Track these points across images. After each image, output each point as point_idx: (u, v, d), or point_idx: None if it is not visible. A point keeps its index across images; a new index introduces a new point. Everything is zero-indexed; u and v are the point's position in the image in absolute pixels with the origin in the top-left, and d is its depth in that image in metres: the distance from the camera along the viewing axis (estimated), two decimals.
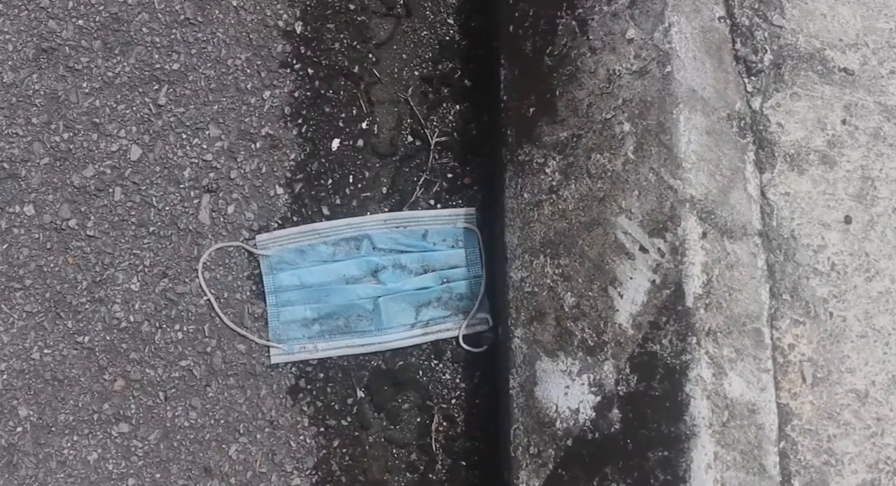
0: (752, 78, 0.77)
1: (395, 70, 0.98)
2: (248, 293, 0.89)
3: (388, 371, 0.90)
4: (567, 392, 0.76)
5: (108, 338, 0.87)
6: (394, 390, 0.90)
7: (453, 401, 0.89)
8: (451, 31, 0.99)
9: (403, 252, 0.92)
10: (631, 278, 0.72)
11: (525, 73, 0.86)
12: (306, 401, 0.88)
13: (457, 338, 0.90)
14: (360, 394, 0.89)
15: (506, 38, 0.89)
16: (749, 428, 0.69)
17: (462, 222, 0.94)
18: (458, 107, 0.97)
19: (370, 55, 0.97)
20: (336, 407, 0.88)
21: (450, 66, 0.98)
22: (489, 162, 0.94)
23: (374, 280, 0.91)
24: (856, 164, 0.76)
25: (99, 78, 0.92)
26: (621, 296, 0.72)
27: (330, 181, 0.94)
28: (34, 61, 0.92)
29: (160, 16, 0.95)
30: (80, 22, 0.94)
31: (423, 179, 0.95)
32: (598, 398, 0.73)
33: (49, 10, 0.94)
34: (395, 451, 0.88)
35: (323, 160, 0.94)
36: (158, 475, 0.85)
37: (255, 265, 0.90)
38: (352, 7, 0.99)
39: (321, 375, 0.89)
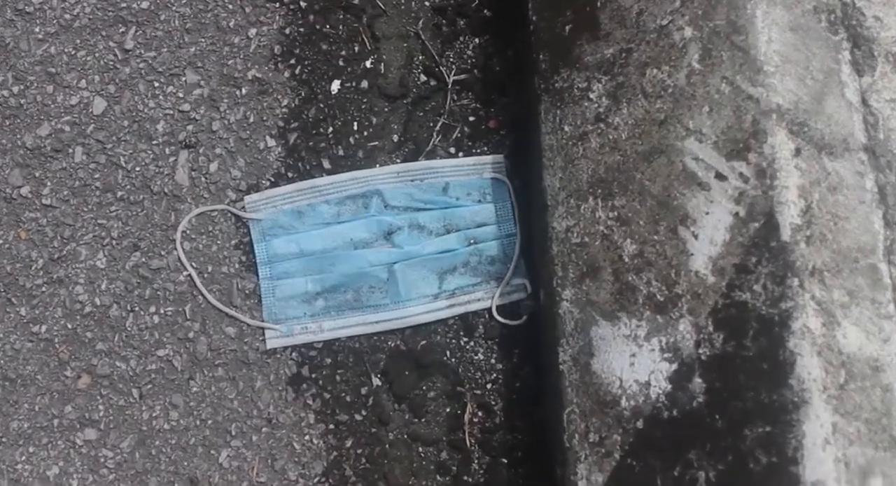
0: None
1: (402, 6, 0.87)
2: (236, 266, 0.78)
3: (408, 353, 0.78)
4: (633, 362, 0.64)
5: (69, 326, 0.76)
6: (417, 376, 0.77)
7: (489, 386, 0.77)
8: None
9: (421, 210, 0.81)
10: (707, 213, 0.60)
11: None
12: (311, 393, 0.76)
13: (489, 310, 0.78)
14: (377, 382, 0.77)
15: None
16: (873, 391, 0.57)
17: (489, 172, 0.83)
18: (477, 40, 0.86)
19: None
20: (348, 399, 0.76)
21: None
22: (519, 99, 0.83)
23: (388, 244, 0.80)
24: None
25: (54, 21, 0.82)
26: (696, 236, 0.60)
27: (331, 129, 0.83)
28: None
29: None
30: None
31: (440, 123, 0.84)
32: (674, 366, 0.61)
33: None
34: (421, 450, 0.75)
35: (321, 105, 0.83)
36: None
37: (245, 232, 0.79)
38: None
39: (328, 361, 0.77)
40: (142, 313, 0.76)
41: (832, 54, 0.65)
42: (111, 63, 0.82)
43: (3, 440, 0.73)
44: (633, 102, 0.67)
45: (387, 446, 0.76)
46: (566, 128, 0.73)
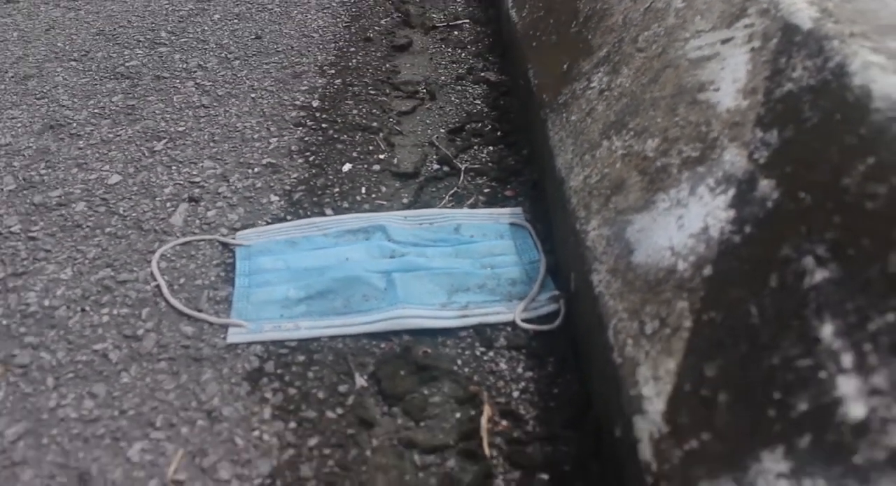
0: None
1: (419, 130, 1.13)
2: (212, 279, 0.83)
3: (405, 354, 0.73)
4: (682, 223, 0.64)
5: (3, 323, 0.77)
6: (415, 380, 0.71)
7: (516, 394, 0.70)
8: (480, 106, 1.18)
9: (429, 246, 0.87)
10: (722, 69, 0.71)
11: (555, 45, 1.02)
12: (272, 388, 0.70)
13: (513, 322, 0.77)
14: (361, 382, 0.70)
15: (531, 47, 1.07)
16: None
17: (507, 219, 0.92)
18: (491, 148, 1.07)
19: (391, 119, 1.15)
20: (319, 395, 0.69)
21: (479, 125, 1.13)
22: (532, 169, 0.99)
23: (390, 259, 0.84)
24: None
25: (97, 137, 1.09)
26: (717, 90, 0.70)
27: (337, 190, 0.97)
28: (39, 133, 1.11)
29: (175, 103, 1.18)
30: (95, 109, 1.16)
31: (452, 191, 0.98)
32: (732, 191, 0.62)
33: (66, 103, 1.18)
34: (417, 458, 0.63)
35: (331, 177, 1.00)
36: None
37: (230, 256, 0.86)
38: (372, 92, 1.21)
39: (301, 358, 0.73)
40: (91, 313, 0.78)
41: None
42: (137, 157, 1.04)
43: None
44: (631, 62, 0.84)
45: (368, 452, 0.64)
46: (573, 118, 0.87)
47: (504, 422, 0.68)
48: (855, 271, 0.46)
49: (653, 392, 0.55)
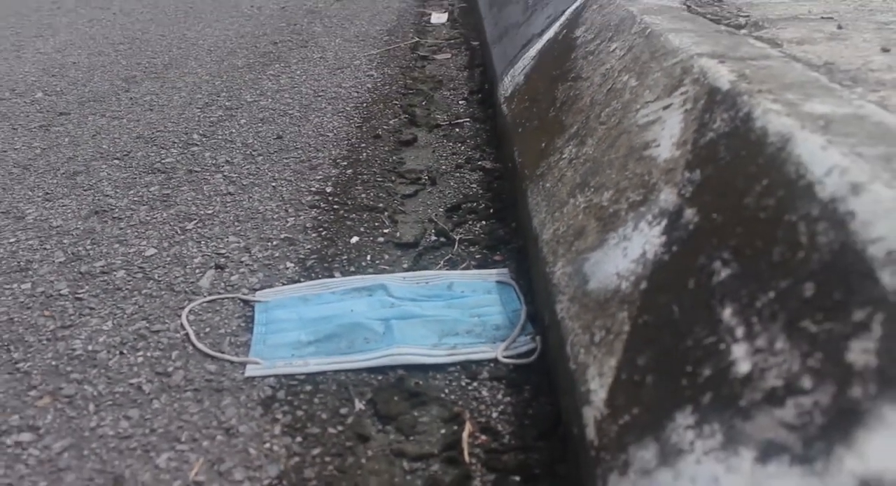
0: None
1: (420, 209, 1.28)
2: (233, 328, 0.95)
3: (400, 383, 0.85)
4: (626, 253, 0.77)
5: (53, 364, 0.90)
6: (407, 405, 0.83)
7: (494, 415, 0.81)
8: (475, 189, 1.34)
9: (424, 301, 1.01)
10: (663, 129, 0.85)
11: (536, 128, 1.18)
12: (282, 410, 0.81)
13: (495, 358, 0.89)
14: (360, 406, 0.82)
15: (517, 133, 1.24)
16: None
17: (494, 278, 1.05)
18: (483, 222, 1.22)
19: (396, 201, 1.30)
20: (323, 416, 0.80)
21: (474, 204, 1.28)
22: (519, 238, 1.13)
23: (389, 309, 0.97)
24: None
25: (136, 219, 1.25)
26: (658, 145, 0.84)
27: (345, 257, 1.12)
28: (85, 218, 1.28)
29: (205, 191, 1.35)
30: (134, 198, 1.34)
31: (448, 257, 1.12)
32: (664, 221, 0.75)
33: (109, 193, 1.36)
34: (406, 465, 0.74)
35: (340, 248, 1.14)
36: (44, 484, 0.72)
37: (250, 310, 0.99)
38: (379, 179, 1.38)
39: (308, 387, 0.85)
40: (128, 355, 0.91)
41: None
42: (170, 235, 1.20)
43: None
44: (595, 133, 1.00)
45: (363, 459, 0.75)
46: (548, 185, 1.02)
47: (483, 436, 0.79)
48: (749, 266, 0.59)
49: (598, 386, 0.66)
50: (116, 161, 1.55)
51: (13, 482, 0.74)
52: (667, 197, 0.76)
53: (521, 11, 1.82)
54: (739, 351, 0.54)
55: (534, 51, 1.48)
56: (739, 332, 0.56)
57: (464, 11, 2.93)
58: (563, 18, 1.44)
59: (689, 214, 0.71)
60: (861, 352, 0.46)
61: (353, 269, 1.10)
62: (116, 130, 1.74)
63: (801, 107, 0.70)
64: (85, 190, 1.41)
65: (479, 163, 1.47)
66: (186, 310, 1.00)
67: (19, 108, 1.96)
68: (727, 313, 0.58)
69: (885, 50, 0.90)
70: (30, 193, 1.42)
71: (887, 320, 0.45)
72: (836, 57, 0.89)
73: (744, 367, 0.53)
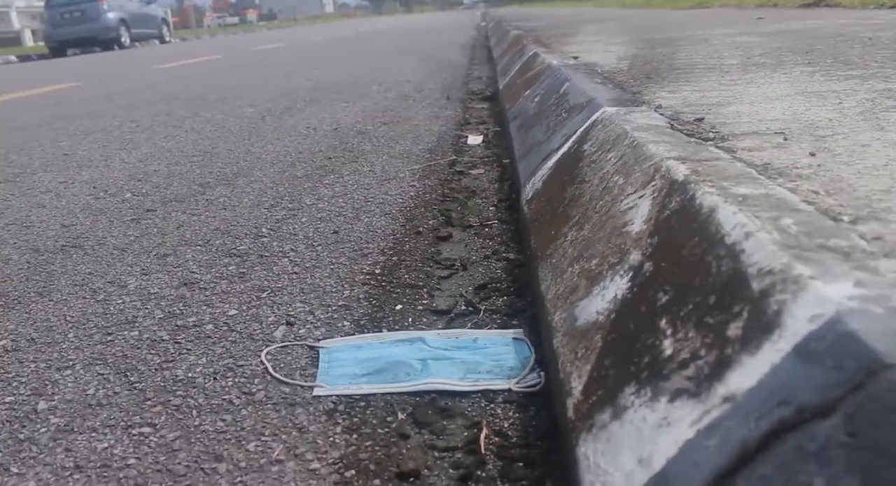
0: None
1: (453, 287, 1.58)
2: (302, 364, 1.23)
3: (433, 403, 1.11)
4: (604, 296, 1.05)
5: (161, 384, 1.18)
6: (439, 416, 1.09)
7: (506, 424, 1.06)
8: (500, 274, 1.64)
9: (454, 349, 1.28)
10: (637, 212, 1.15)
11: (548, 221, 1.48)
12: (342, 417, 1.08)
13: (509, 388, 1.15)
14: (402, 416, 1.08)
15: (534, 226, 1.54)
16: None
17: (510, 335, 1.33)
18: (505, 297, 1.51)
19: (433, 280, 1.60)
20: (373, 421, 1.07)
21: (498, 285, 1.57)
22: (533, 309, 1.41)
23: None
24: None
25: (219, 290, 1.56)
26: (632, 223, 1.13)
27: (391, 320, 1.40)
28: (176, 287, 1.59)
29: (274, 271, 1.66)
30: (216, 275, 1.65)
31: (474, 321, 1.40)
32: (630, 273, 1.03)
33: (195, 270, 1.68)
34: (436, 454, 1.00)
35: (387, 313, 1.43)
36: (163, 458, 0.98)
37: (315, 354, 1.27)
38: (419, 265, 1.68)
39: (362, 404, 1.11)
40: (220, 380, 1.19)
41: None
42: (248, 300, 1.50)
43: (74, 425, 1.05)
44: (590, 220, 1.30)
45: (404, 450, 1.01)
46: (553, 260, 1.31)
47: (496, 438, 1.03)
48: (680, 291, 0.86)
49: (577, 384, 0.92)
50: (198, 247, 1.88)
51: (141, 456, 1.00)
52: (634, 257, 1.04)
53: (543, 132, 2.18)
54: (667, 343, 0.81)
55: (551, 162, 1.81)
56: (668, 331, 0.82)
57: (497, 134, 3.33)
58: (575, 136, 1.77)
59: (648, 266, 0.99)
60: (734, 329, 0.72)
61: (397, 327, 1.38)
62: (196, 223, 2.09)
63: (729, 190, 0.99)
64: (174, 268, 1.73)
65: (504, 254, 1.76)
66: (264, 352, 1.28)
67: (113, 205, 2.34)
68: (663, 322, 0.85)
69: (812, 154, 1.19)
70: (129, 268, 1.75)
71: (752, 308, 0.72)
72: (773, 159, 1.18)
73: (668, 351, 0.80)
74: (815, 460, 0.55)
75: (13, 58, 20.57)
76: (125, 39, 22.75)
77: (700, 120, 1.58)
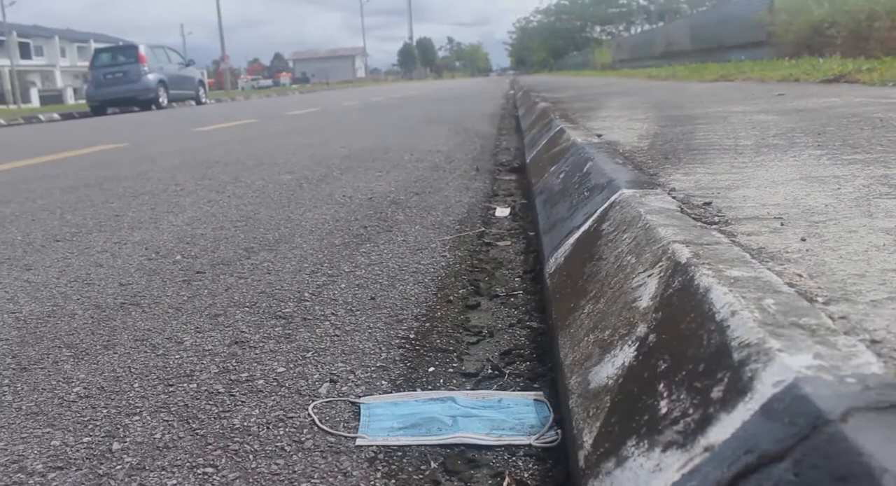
0: None
1: (480, 353, 1.74)
2: (346, 417, 1.39)
3: (462, 454, 1.26)
4: (613, 363, 1.20)
5: (219, 431, 1.34)
6: (467, 466, 1.24)
7: (526, 475, 1.21)
8: (524, 340, 1.80)
9: (481, 408, 1.44)
10: (645, 289, 1.32)
11: (569, 294, 1.65)
12: (381, 464, 1.23)
13: (529, 444, 1.30)
14: (434, 465, 1.23)
15: (555, 298, 1.71)
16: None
17: (532, 397, 1.48)
18: (528, 363, 1.67)
19: (462, 345, 1.76)
20: (409, 469, 1.22)
21: (521, 351, 1.73)
22: (552, 373, 1.56)
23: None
24: None
25: (267, 349, 1.73)
26: (640, 299, 1.30)
27: (424, 380, 1.56)
28: (228, 345, 1.77)
29: (317, 333, 1.83)
30: (264, 335, 1.83)
31: (500, 383, 1.55)
32: (636, 344, 1.19)
33: (244, 330, 1.85)
34: None
35: (420, 374, 1.59)
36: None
37: (356, 409, 1.43)
38: (450, 331, 1.85)
39: (399, 453, 1.27)
40: (273, 429, 1.35)
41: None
42: (294, 359, 1.67)
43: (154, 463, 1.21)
44: (605, 295, 1.46)
45: None
46: (571, 330, 1.47)
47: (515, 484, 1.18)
48: (676, 359, 1.02)
49: (588, 438, 1.07)
50: (246, 308, 2.06)
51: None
52: (641, 329, 1.20)
53: (566, 209, 2.36)
54: (663, 403, 0.96)
55: (573, 239, 1.98)
56: (665, 394, 0.98)
57: (523, 207, 3.52)
58: (595, 215, 1.95)
59: (652, 337, 1.15)
60: (717, 391, 0.88)
61: (430, 387, 1.54)
62: (243, 286, 2.28)
63: (724, 272, 1.16)
64: (225, 327, 1.91)
65: (528, 323, 1.92)
66: (311, 406, 1.44)
67: (165, 266, 2.55)
68: (661, 386, 1.00)
69: (804, 239, 1.35)
70: (184, 326, 1.93)
71: (732, 375, 0.88)
72: (768, 243, 1.35)
73: (663, 410, 0.95)
74: None
75: (56, 116, 21.45)
76: (163, 100, 23.65)
77: (708, 204, 1.76)
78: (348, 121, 11.00)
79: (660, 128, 4.03)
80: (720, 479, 0.77)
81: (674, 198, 1.85)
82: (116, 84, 23.17)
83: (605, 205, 1.97)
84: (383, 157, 5.77)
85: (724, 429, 0.82)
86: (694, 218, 1.59)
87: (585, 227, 1.98)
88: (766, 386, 0.81)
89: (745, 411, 0.82)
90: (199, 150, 7.22)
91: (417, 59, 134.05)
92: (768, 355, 0.86)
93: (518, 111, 10.33)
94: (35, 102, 54.53)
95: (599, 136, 3.67)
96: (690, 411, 0.91)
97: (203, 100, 27.48)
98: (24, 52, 72.45)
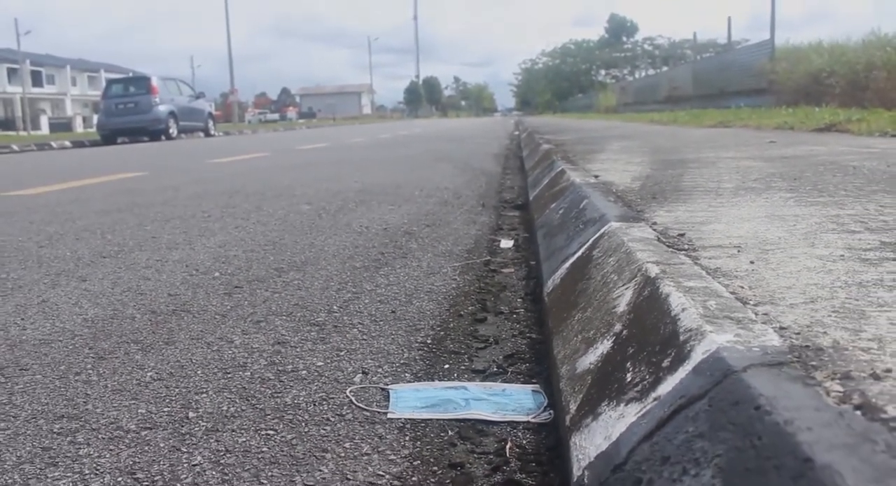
0: None
1: (487, 356, 2.06)
2: (378, 398, 1.71)
3: (473, 426, 1.58)
4: (595, 352, 1.53)
5: (276, 407, 1.66)
6: (477, 434, 1.55)
7: (524, 442, 1.53)
8: (525, 350, 2.12)
9: (488, 396, 1.76)
10: (623, 299, 1.64)
11: (563, 306, 1.98)
12: (409, 431, 1.55)
13: (527, 420, 1.62)
14: (451, 433, 1.55)
15: (551, 311, 2.03)
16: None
17: (530, 388, 1.81)
18: (527, 364, 1.99)
19: (472, 350, 2.09)
20: (431, 435, 1.54)
21: (523, 355, 2.06)
22: (548, 373, 1.88)
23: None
24: None
25: (306, 348, 2.06)
26: (619, 306, 1.63)
27: (441, 375, 1.88)
28: (272, 344, 2.09)
29: (348, 338, 2.16)
30: (299, 341, 2.15)
31: (503, 378, 1.87)
32: (609, 341, 1.51)
33: (285, 334, 2.18)
34: (475, 455, 1.46)
35: (437, 370, 1.91)
36: (286, 448, 1.45)
37: (386, 394, 1.75)
38: (461, 338, 2.18)
39: (422, 424, 1.59)
40: (318, 406, 1.66)
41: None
42: (329, 357, 1.99)
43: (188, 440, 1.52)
44: (592, 305, 1.79)
45: (452, 452, 1.47)
46: (564, 334, 1.79)
47: (517, 449, 1.49)
48: (641, 345, 1.34)
49: (573, 405, 1.38)
50: (284, 317, 2.39)
51: (270, 447, 1.47)
52: (617, 327, 1.53)
53: (563, 240, 2.70)
54: (629, 375, 1.29)
55: (568, 263, 2.32)
56: (630, 369, 1.30)
57: (526, 239, 3.86)
58: (587, 244, 2.29)
59: (625, 332, 1.47)
60: (666, 362, 1.20)
61: (445, 379, 1.85)
62: (278, 299, 2.61)
63: (683, 283, 1.49)
64: (268, 331, 2.24)
65: (528, 334, 2.24)
66: (348, 390, 1.76)
67: (206, 281, 2.88)
68: (628, 364, 1.33)
69: (752, 262, 1.69)
70: (232, 329, 2.26)
71: (677, 351, 1.20)
72: (723, 265, 1.68)
73: (628, 379, 1.27)
74: (692, 421, 1.03)
75: (68, 143, 21.95)
76: (173, 131, 24.19)
77: (682, 235, 2.09)
78: (359, 158, 11.44)
79: (652, 170, 4.39)
80: (662, 415, 1.09)
81: (654, 230, 2.18)
82: (128, 114, 23.73)
83: (596, 235, 2.30)
84: (395, 192, 6.14)
85: (668, 385, 1.15)
86: (668, 245, 1.93)
87: (579, 253, 2.32)
88: (698, 354, 1.14)
89: (682, 372, 1.14)
90: (219, 180, 7.61)
91: (423, 97, 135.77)
92: (703, 335, 1.18)
93: (522, 152, 10.74)
94: (45, 129, 55.40)
95: (596, 177, 4.03)
96: (647, 377, 1.23)
97: (212, 132, 28.05)
98: (36, 80, 73.75)
